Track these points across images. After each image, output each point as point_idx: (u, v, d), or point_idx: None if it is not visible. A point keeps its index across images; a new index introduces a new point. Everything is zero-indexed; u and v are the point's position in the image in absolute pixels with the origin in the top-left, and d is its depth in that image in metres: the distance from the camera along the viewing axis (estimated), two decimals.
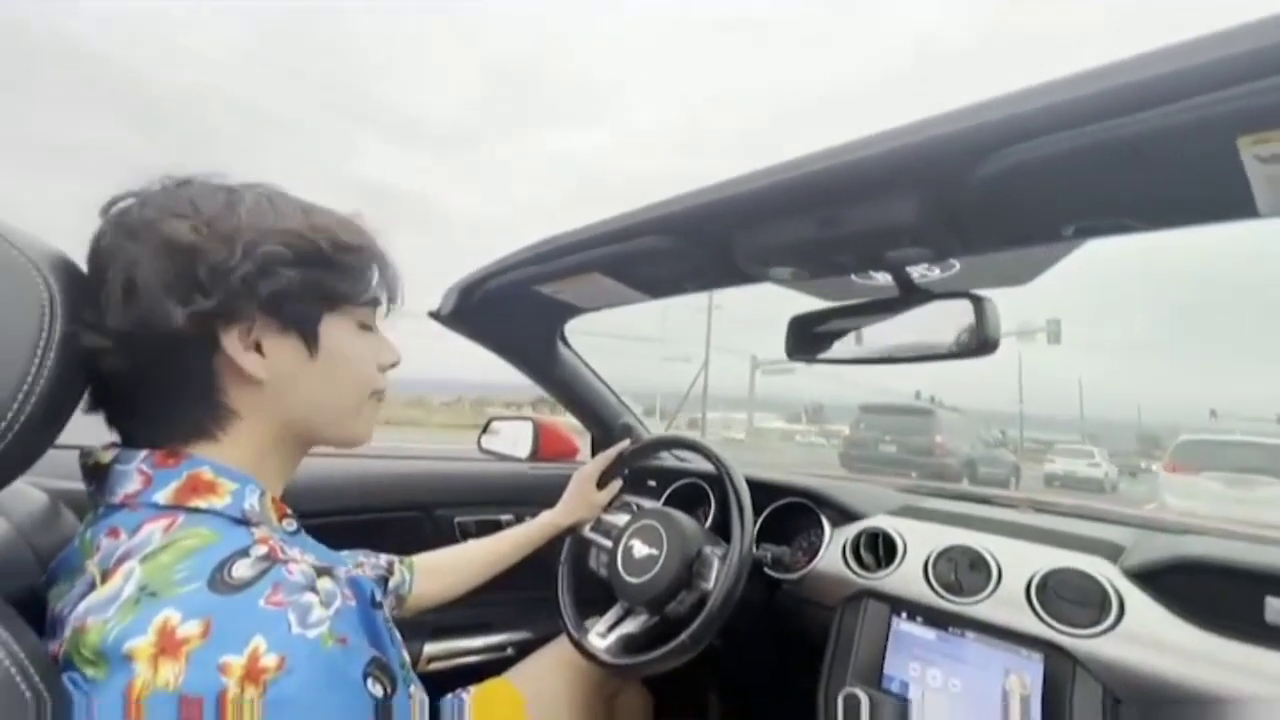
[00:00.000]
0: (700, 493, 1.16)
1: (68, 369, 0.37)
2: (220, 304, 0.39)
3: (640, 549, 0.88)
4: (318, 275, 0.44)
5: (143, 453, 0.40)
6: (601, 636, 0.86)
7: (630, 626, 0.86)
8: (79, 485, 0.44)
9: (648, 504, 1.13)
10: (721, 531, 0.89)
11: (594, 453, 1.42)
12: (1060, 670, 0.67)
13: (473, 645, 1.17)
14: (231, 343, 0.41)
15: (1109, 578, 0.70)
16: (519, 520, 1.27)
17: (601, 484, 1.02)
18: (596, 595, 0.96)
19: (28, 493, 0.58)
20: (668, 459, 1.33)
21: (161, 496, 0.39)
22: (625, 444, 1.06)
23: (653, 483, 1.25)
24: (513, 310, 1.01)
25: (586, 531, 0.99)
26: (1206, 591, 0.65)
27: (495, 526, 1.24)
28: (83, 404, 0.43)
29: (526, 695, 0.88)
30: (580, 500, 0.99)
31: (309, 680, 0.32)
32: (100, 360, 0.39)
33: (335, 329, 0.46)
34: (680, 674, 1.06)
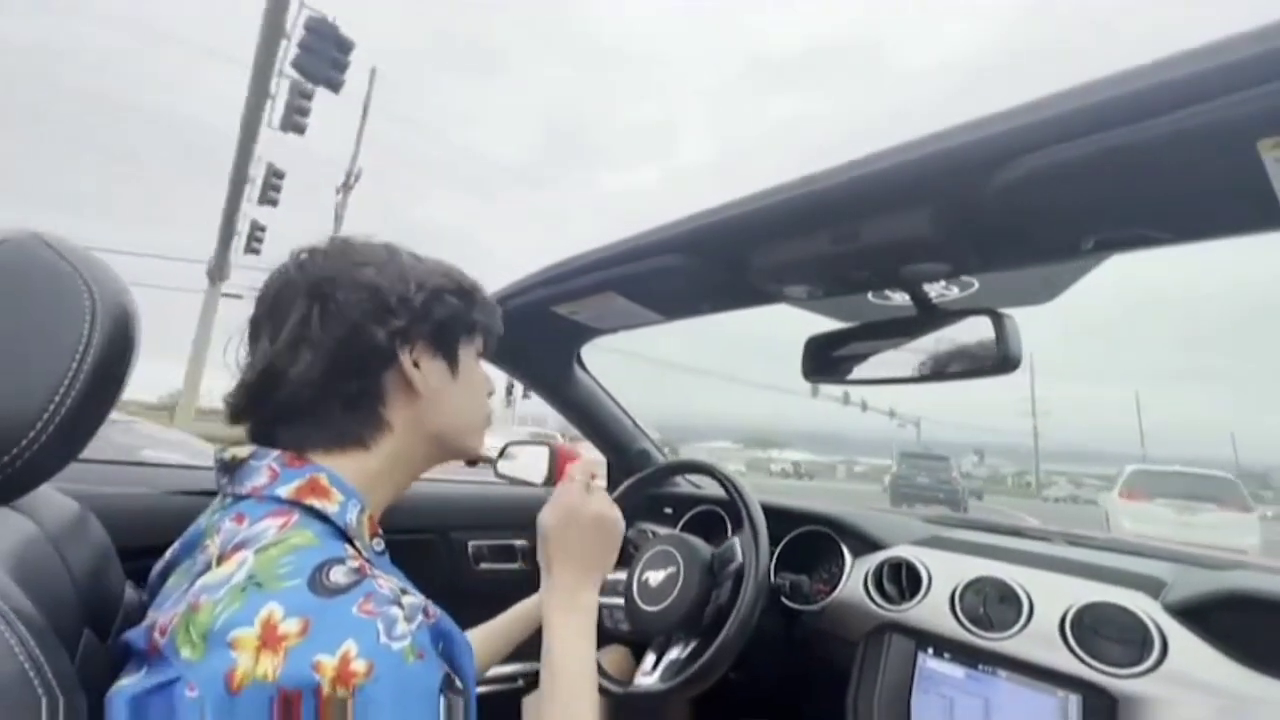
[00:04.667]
0: (717, 520, 1.14)
1: (104, 377, 0.39)
2: (407, 324, 0.49)
3: (656, 577, 0.86)
4: (465, 306, 0.54)
5: (275, 452, 0.46)
6: (647, 675, 0.82)
7: (674, 653, 0.82)
8: (107, 491, 0.45)
9: (662, 531, 1.11)
10: None
11: (610, 479, 1.41)
12: (1099, 712, 0.63)
13: (484, 675, 1.14)
14: (406, 360, 0.49)
15: (1150, 614, 0.66)
16: (532, 545, 1.26)
17: None
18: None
19: (57, 499, 0.59)
20: (684, 485, 1.31)
21: (284, 491, 0.43)
22: None
23: (669, 510, 1.23)
24: (530, 332, 1.03)
25: None
26: (1259, 629, 0.61)
27: (509, 551, 1.24)
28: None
29: None
30: None
31: (392, 689, 0.34)
32: (291, 368, 0.45)
33: (466, 355, 0.55)
34: (697, 711, 1.02)
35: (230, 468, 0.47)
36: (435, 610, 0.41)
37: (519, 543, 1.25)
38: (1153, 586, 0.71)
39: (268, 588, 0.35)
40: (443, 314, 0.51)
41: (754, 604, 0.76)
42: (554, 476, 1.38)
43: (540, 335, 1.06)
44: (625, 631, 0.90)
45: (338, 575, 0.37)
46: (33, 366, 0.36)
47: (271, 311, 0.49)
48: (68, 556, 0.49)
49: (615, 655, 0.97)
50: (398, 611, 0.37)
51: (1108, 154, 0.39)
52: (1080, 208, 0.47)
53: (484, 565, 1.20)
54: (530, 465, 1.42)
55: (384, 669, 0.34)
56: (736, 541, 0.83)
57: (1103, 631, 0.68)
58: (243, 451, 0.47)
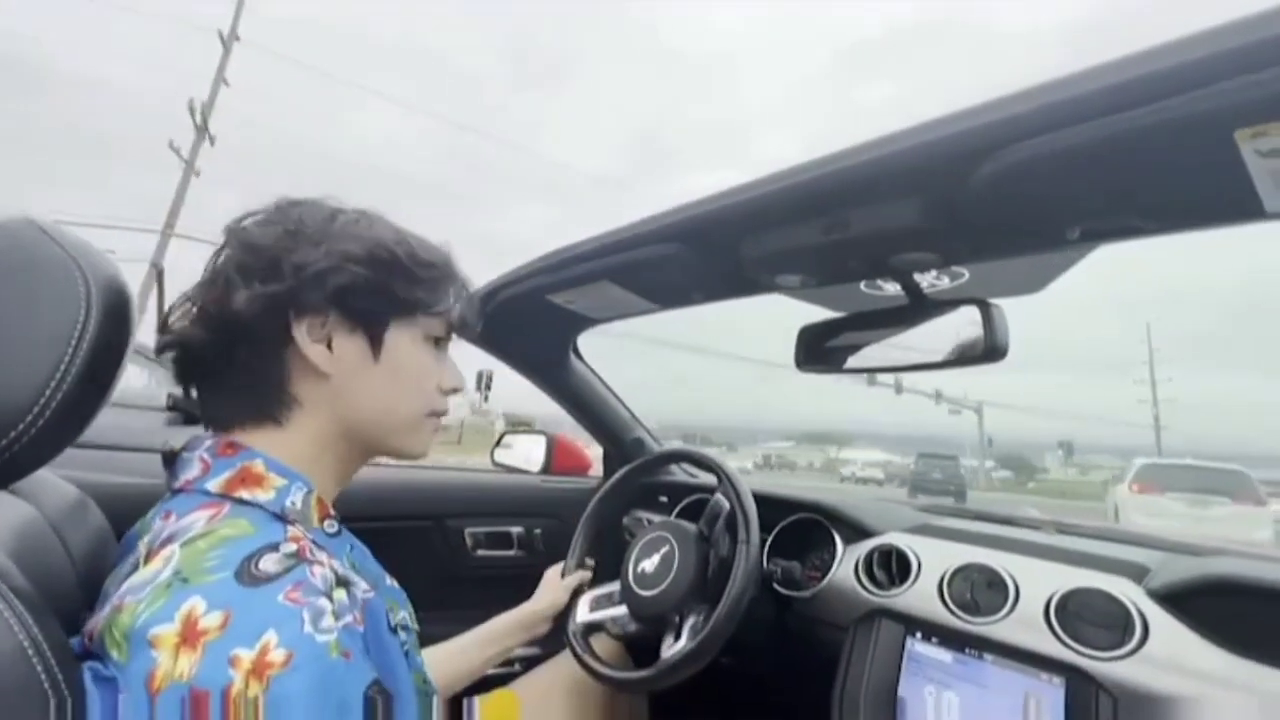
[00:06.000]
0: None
1: (99, 363, 0.39)
2: (289, 290, 0.43)
3: (651, 562, 0.87)
4: (389, 280, 0.47)
5: (207, 442, 0.44)
6: (670, 648, 0.82)
7: (692, 620, 0.83)
8: (107, 479, 0.45)
9: (656, 518, 1.12)
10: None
11: (606, 468, 1.42)
12: (1083, 694, 0.64)
13: (456, 690, 1.16)
14: (300, 334, 0.44)
15: (1132, 599, 0.68)
16: (528, 532, 1.27)
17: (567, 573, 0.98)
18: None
19: (58, 485, 0.59)
20: (679, 474, 1.32)
21: (213, 484, 0.41)
22: (577, 533, 1.03)
23: (664, 498, 1.25)
24: (526, 321, 1.03)
25: (587, 616, 0.94)
26: (1239, 614, 0.62)
27: (505, 538, 1.25)
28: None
29: (531, 707, 0.87)
30: (548, 589, 0.95)
31: (311, 682, 0.32)
32: (190, 340, 0.44)
33: (402, 337, 0.49)
34: (688, 696, 1.04)
35: (169, 461, 0.45)
36: (365, 615, 0.39)
37: (515, 530, 1.26)
38: (1136, 572, 0.72)
39: (193, 582, 0.34)
40: (340, 283, 0.44)
41: (746, 583, 0.77)
42: (550, 465, 1.39)
43: (536, 324, 1.06)
44: (633, 632, 0.90)
45: (268, 564, 0.35)
46: (27, 352, 0.36)
47: (209, 276, 0.46)
48: (68, 540, 0.50)
49: (608, 646, 0.98)
50: (326, 604, 0.35)
51: (1089, 146, 0.39)
52: (1064, 199, 0.47)
53: (480, 552, 1.22)
54: (527, 454, 1.43)
55: (304, 658, 0.32)
56: (719, 495, 0.85)
57: (1087, 616, 0.69)
58: (178, 443, 0.46)
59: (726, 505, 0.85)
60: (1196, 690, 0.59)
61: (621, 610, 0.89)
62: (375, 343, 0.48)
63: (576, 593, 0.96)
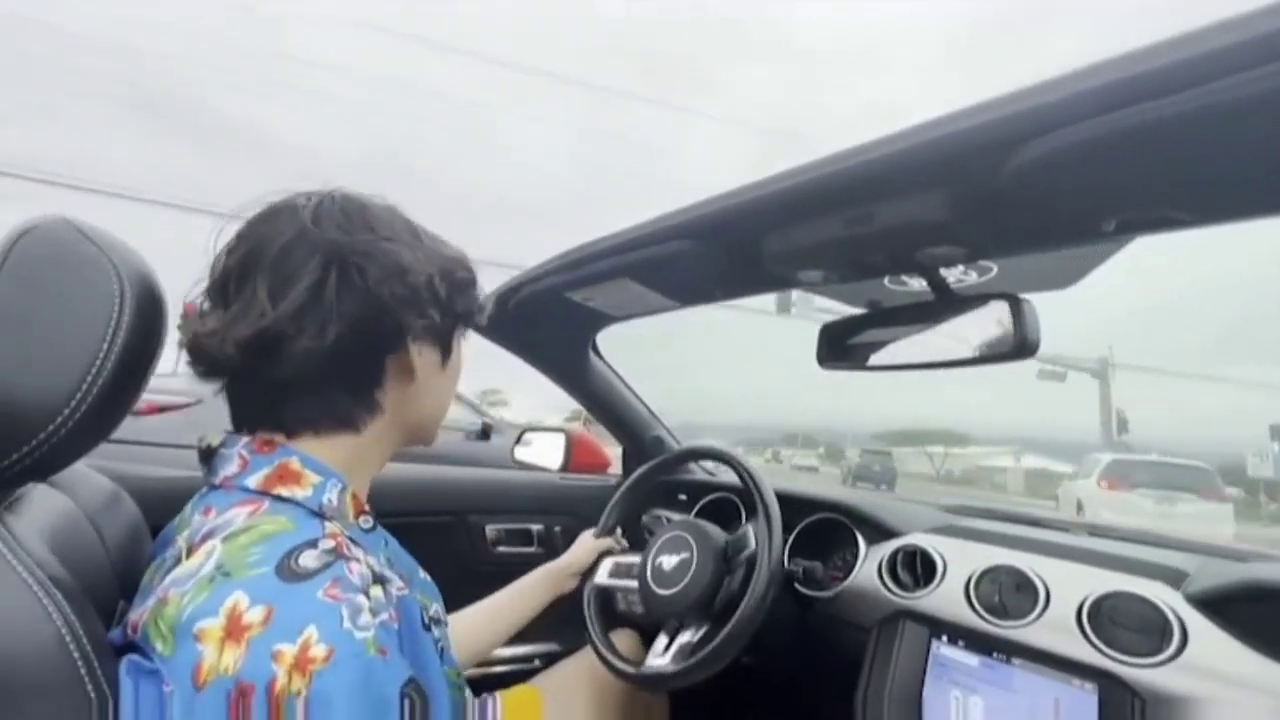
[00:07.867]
0: (731, 507, 1.14)
1: (133, 358, 0.40)
2: (438, 316, 0.47)
3: (670, 561, 0.86)
4: (476, 298, 0.52)
5: (244, 439, 0.44)
6: (659, 657, 0.82)
7: (686, 637, 0.83)
8: (139, 471, 0.46)
9: (676, 517, 1.12)
10: None
11: (624, 465, 1.42)
12: (1117, 702, 0.62)
13: (501, 655, 1.17)
14: (414, 346, 0.47)
15: (1170, 604, 0.65)
16: (548, 530, 1.28)
17: (599, 535, 1.00)
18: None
19: (93, 478, 0.61)
20: (699, 472, 1.32)
21: (252, 481, 0.42)
22: (615, 499, 1.04)
23: (683, 496, 1.24)
24: (546, 319, 1.03)
25: (604, 580, 0.95)
26: None
27: (525, 535, 1.26)
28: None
29: (553, 702, 0.87)
30: (580, 548, 0.97)
31: (351, 678, 0.32)
32: (296, 339, 0.41)
33: (458, 343, 0.54)
34: (709, 695, 1.03)
35: (207, 457, 0.45)
36: (400, 613, 0.39)
37: (535, 527, 1.27)
38: (1174, 577, 0.70)
39: (235, 576, 0.34)
40: (462, 308, 0.50)
41: (765, 592, 0.76)
42: (569, 463, 1.40)
43: (556, 323, 1.06)
44: (639, 614, 0.91)
45: (307, 560, 0.36)
46: (64, 348, 0.37)
47: (276, 264, 0.42)
48: (103, 531, 0.51)
49: (626, 639, 0.99)
50: (364, 601, 0.36)
51: (1131, 132, 0.37)
52: (1101, 189, 0.46)
53: (501, 548, 1.23)
54: (547, 451, 1.44)
55: (344, 654, 0.33)
56: (750, 529, 0.84)
57: (1121, 621, 0.67)
58: (215, 439, 0.45)
59: (753, 545, 0.83)
60: (1238, 698, 0.57)
61: (633, 585, 0.90)
62: (448, 350, 0.51)
63: (602, 556, 0.97)
